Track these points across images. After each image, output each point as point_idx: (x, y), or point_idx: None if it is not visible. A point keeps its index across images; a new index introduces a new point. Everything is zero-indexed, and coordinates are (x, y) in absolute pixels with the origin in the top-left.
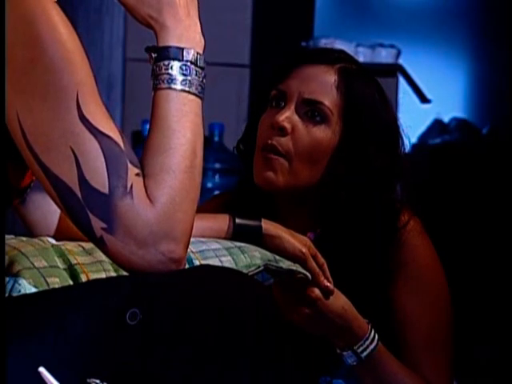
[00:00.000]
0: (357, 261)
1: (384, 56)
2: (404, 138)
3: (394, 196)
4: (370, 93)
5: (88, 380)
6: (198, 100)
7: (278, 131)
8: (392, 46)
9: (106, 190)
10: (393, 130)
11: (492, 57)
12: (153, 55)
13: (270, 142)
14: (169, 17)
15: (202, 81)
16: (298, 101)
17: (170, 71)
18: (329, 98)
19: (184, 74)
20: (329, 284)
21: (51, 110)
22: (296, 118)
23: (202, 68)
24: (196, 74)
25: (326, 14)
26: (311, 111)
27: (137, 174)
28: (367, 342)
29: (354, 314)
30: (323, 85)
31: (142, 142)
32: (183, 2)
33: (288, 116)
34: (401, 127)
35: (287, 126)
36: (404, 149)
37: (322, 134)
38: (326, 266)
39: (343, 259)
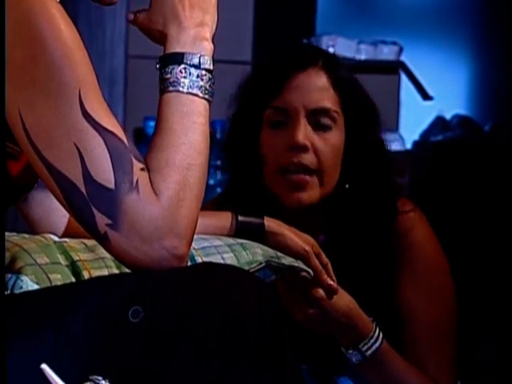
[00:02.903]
0: (364, 259)
1: (386, 53)
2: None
3: (400, 194)
4: (348, 73)
5: (90, 377)
6: (202, 101)
7: (298, 150)
8: (394, 43)
9: (111, 186)
10: (372, 102)
11: (494, 54)
12: (157, 65)
13: (294, 161)
14: (173, 28)
15: (207, 83)
16: (306, 114)
17: (170, 75)
18: (331, 100)
19: (184, 77)
20: (332, 283)
21: (54, 107)
22: (310, 131)
23: (207, 71)
24: (198, 77)
25: (327, 11)
26: (320, 120)
27: (141, 169)
28: (372, 341)
29: (359, 313)
30: (321, 89)
31: (144, 138)
32: (190, 14)
33: (304, 133)
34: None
35: (308, 143)
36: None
37: (334, 137)
38: (329, 265)
39: (351, 258)
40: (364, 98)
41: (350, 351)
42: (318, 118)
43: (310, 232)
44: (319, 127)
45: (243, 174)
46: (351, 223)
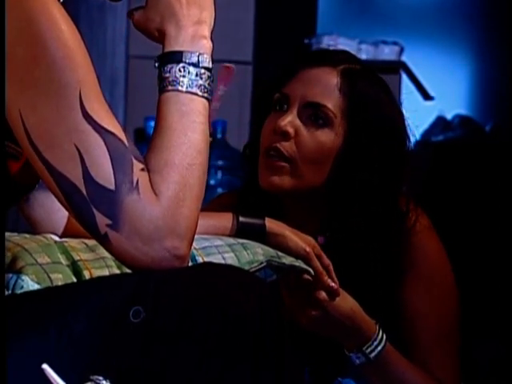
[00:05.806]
0: (366, 262)
1: (387, 53)
2: (411, 136)
3: (402, 195)
4: (374, 93)
5: (91, 377)
6: (201, 100)
7: (280, 136)
8: (395, 43)
9: (112, 186)
10: (398, 130)
11: (495, 54)
12: (156, 64)
13: (273, 145)
14: (171, 26)
15: (206, 81)
16: (300, 104)
17: (168, 74)
18: (331, 101)
19: (183, 76)
20: (333, 284)
21: (54, 108)
22: (298, 122)
23: (206, 69)
24: (197, 75)
25: (328, 11)
26: (314, 115)
27: (142, 170)
28: (375, 343)
29: (362, 316)
30: (326, 87)
31: (144, 139)
32: (188, 11)
33: (290, 120)
34: (408, 126)
35: (290, 130)
36: (410, 147)
37: (326, 137)
38: (331, 267)
39: (353, 261)
40: (381, 120)
41: (354, 354)
42: (311, 112)
43: (309, 233)
44: (311, 121)
45: (251, 159)
46: (352, 225)
